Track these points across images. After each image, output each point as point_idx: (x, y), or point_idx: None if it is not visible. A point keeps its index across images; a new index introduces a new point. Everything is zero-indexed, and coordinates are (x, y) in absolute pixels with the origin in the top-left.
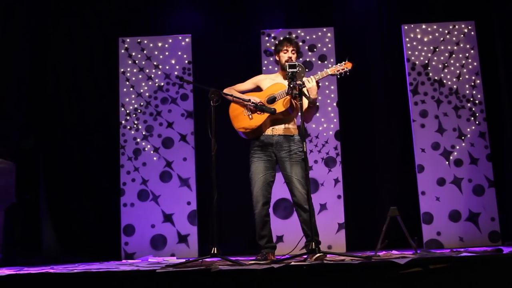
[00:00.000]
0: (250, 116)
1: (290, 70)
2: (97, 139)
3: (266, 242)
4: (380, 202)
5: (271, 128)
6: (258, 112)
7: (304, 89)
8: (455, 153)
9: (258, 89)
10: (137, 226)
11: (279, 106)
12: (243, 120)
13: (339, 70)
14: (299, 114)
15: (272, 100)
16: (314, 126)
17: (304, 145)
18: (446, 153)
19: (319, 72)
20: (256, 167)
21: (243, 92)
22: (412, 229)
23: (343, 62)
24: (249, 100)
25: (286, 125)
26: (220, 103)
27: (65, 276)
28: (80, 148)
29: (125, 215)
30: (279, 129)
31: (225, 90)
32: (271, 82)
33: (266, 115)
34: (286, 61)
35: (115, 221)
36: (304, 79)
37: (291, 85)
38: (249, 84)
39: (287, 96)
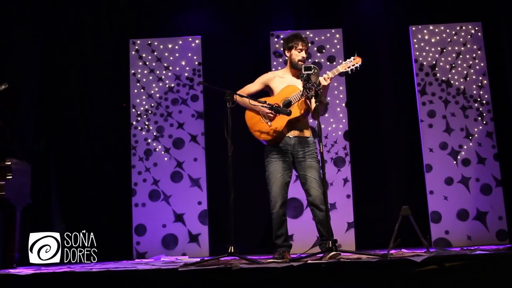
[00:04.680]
0: (269, 123)
1: (306, 72)
2: (108, 139)
3: (283, 241)
4: (389, 201)
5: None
6: (272, 114)
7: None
8: (463, 153)
9: (267, 88)
10: (148, 226)
11: (295, 110)
12: (262, 128)
13: (349, 67)
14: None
15: (288, 104)
16: (323, 126)
17: (321, 146)
18: (454, 152)
19: (328, 72)
20: (274, 167)
21: (253, 94)
22: (421, 228)
23: (352, 58)
24: (265, 102)
25: (302, 126)
26: (236, 104)
27: (87, 275)
28: (91, 149)
29: (137, 215)
30: (296, 131)
31: (237, 98)
32: (281, 82)
33: (284, 121)
34: (300, 61)
35: (126, 221)
36: (320, 78)
37: (307, 86)
38: (257, 84)
39: (302, 99)
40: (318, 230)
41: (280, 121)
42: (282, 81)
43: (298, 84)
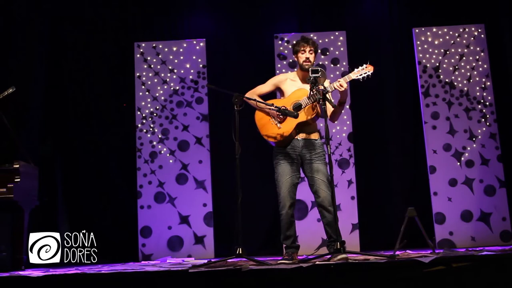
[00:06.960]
0: (279, 125)
1: (313, 75)
2: (114, 142)
3: (291, 242)
4: (393, 202)
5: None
6: (281, 116)
7: (329, 94)
8: (467, 154)
9: (278, 90)
10: (154, 228)
11: (305, 113)
12: (271, 129)
13: (361, 74)
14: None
15: (298, 107)
16: None
17: (329, 148)
18: (458, 154)
19: (341, 79)
20: (283, 169)
21: (264, 95)
22: (425, 229)
23: (364, 65)
24: (272, 105)
25: (311, 129)
26: (244, 107)
27: (98, 277)
28: (97, 152)
29: (142, 217)
30: (304, 134)
31: (247, 95)
32: (292, 85)
33: (294, 123)
34: (304, 62)
35: (132, 223)
36: (335, 83)
37: (314, 90)
38: (269, 85)
39: (313, 103)
40: (326, 232)
41: (290, 124)
42: (293, 84)
43: (308, 87)
